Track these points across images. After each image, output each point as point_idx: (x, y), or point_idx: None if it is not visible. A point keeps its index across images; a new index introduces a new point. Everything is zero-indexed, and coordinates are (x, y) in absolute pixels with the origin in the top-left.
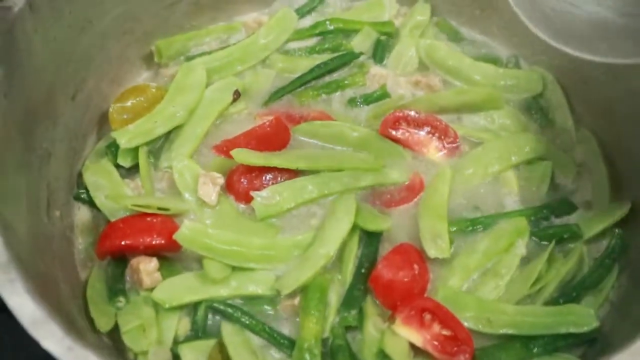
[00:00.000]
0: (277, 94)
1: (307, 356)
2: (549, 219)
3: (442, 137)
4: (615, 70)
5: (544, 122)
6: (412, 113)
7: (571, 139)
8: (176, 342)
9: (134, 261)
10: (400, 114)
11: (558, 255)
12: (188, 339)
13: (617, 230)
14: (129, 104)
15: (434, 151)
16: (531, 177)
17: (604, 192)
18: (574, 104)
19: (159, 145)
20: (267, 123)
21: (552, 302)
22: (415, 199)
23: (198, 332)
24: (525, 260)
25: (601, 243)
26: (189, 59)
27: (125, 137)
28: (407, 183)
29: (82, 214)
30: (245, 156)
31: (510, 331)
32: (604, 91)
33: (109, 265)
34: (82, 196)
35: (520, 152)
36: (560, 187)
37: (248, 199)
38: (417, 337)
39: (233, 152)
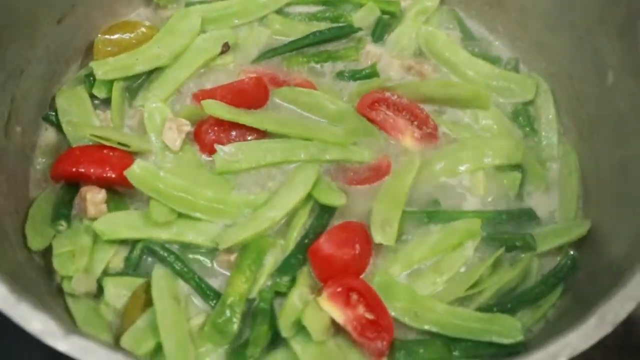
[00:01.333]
0: (266, 54)
1: (227, 312)
2: (506, 225)
3: (421, 126)
4: (606, 89)
5: (528, 130)
6: (393, 96)
7: (552, 152)
8: (106, 274)
9: (83, 189)
10: (380, 95)
11: (506, 264)
12: (118, 274)
13: (570, 251)
14: (115, 37)
15: (409, 139)
16: (500, 182)
17: (570, 211)
18: (562, 117)
19: (139, 83)
20: (247, 80)
21: (487, 309)
22: (379, 182)
23: (129, 269)
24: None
25: (554, 261)
26: (188, 4)
27: (102, 69)
28: (373, 164)
29: (48, 135)
30: (214, 108)
31: (434, 329)
32: (593, 109)
33: (61, 189)
34: (51, 118)
35: (495, 156)
36: (528, 198)
37: (212, 151)
38: (339, 315)
39: (203, 103)
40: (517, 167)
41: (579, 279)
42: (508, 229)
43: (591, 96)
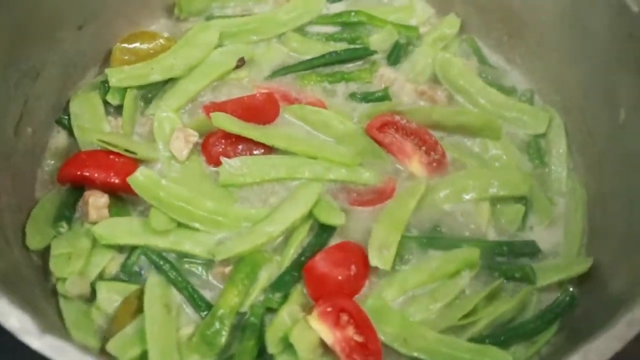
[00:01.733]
0: (281, 71)
1: (216, 323)
2: (507, 257)
3: (429, 151)
4: (620, 126)
5: (538, 163)
6: (403, 120)
7: (560, 186)
8: (101, 279)
9: (87, 193)
10: (390, 118)
11: (504, 296)
12: (112, 279)
13: (570, 288)
14: (133, 46)
15: (417, 164)
16: (503, 214)
17: (573, 247)
18: (573, 153)
19: (153, 93)
20: (258, 95)
21: (479, 340)
22: (381, 205)
23: (124, 275)
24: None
25: (553, 296)
26: (209, 18)
27: (117, 76)
28: (378, 186)
29: (59, 138)
30: (223, 121)
31: (422, 356)
32: (604, 146)
33: (66, 192)
34: (64, 122)
35: (501, 187)
36: (531, 231)
37: (218, 164)
38: (328, 335)
39: (212, 115)
40: (522, 199)
41: (576, 317)
42: (509, 261)
43: (602, 133)
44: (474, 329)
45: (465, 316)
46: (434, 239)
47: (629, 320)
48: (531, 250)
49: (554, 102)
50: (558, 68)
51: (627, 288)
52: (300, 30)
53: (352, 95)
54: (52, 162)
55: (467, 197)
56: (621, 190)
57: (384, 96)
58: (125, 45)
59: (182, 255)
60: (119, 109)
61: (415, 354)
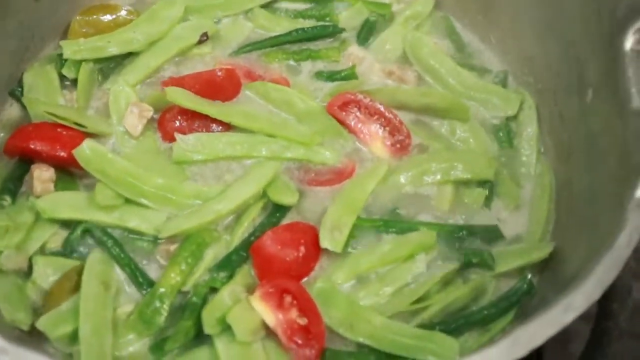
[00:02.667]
0: (245, 48)
1: (156, 302)
2: (467, 241)
3: (393, 132)
4: (585, 108)
5: (507, 146)
6: (366, 99)
7: (528, 170)
8: (42, 254)
9: (33, 166)
10: (352, 97)
11: (459, 282)
12: (54, 254)
13: (529, 275)
14: (93, 18)
15: (380, 145)
16: (466, 197)
17: (537, 233)
18: (544, 136)
19: (112, 67)
20: (218, 70)
21: (429, 326)
22: (339, 185)
23: (67, 251)
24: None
25: (512, 283)
26: None
27: (72, 48)
28: (338, 167)
29: (12, 110)
30: (178, 96)
31: (367, 342)
32: (572, 129)
33: (14, 165)
34: (17, 94)
35: (465, 170)
36: (494, 216)
37: (173, 140)
38: (270, 316)
39: (167, 89)
40: (486, 182)
41: (534, 305)
42: (469, 246)
43: (572, 115)
44: (424, 315)
45: (417, 302)
46: (391, 221)
47: (566, 305)
48: (493, 235)
49: (527, 84)
50: (531, 48)
51: (575, 275)
52: (269, 6)
53: (318, 74)
54: (2, 134)
55: (430, 180)
56: (584, 177)
57: (350, 75)
58: (84, 17)
59: (128, 232)
60: (74, 83)
61: (361, 339)
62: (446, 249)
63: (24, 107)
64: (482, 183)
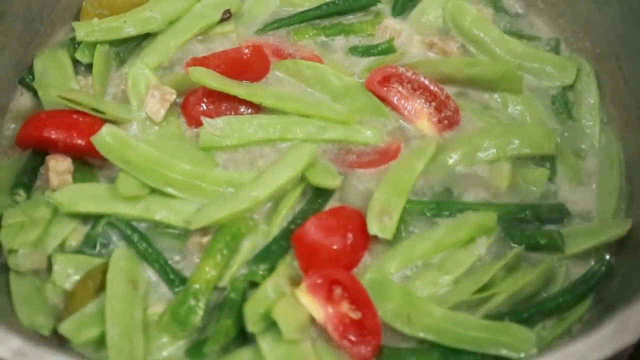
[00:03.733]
0: (272, 25)
1: (190, 300)
2: (531, 223)
3: (440, 108)
4: None
5: (565, 118)
6: (408, 73)
7: (592, 143)
8: (62, 252)
9: (48, 158)
10: (393, 70)
11: (526, 266)
12: (74, 252)
13: (606, 256)
14: None
15: (426, 121)
16: (526, 176)
17: (609, 209)
18: (605, 104)
19: (130, 50)
20: (245, 48)
21: (497, 317)
22: (385, 167)
23: (89, 248)
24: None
25: (586, 266)
26: None
27: (85, 29)
28: (381, 147)
29: (22, 100)
30: (203, 76)
31: (429, 337)
32: None
33: (27, 157)
34: (27, 81)
35: (522, 145)
36: (559, 193)
37: (199, 125)
38: (318, 311)
39: (190, 70)
40: (547, 158)
41: (613, 289)
42: (532, 227)
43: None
44: (490, 305)
45: (480, 290)
46: (444, 203)
47: None
48: (559, 214)
49: (582, 50)
50: (587, 10)
51: None
52: None
53: (353, 49)
54: (13, 125)
55: (484, 157)
56: None
57: (388, 49)
58: None
59: (155, 225)
60: (90, 68)
61: (421, 335)
62: (508, 231)
63: (35, 95)
64: (541, 159)
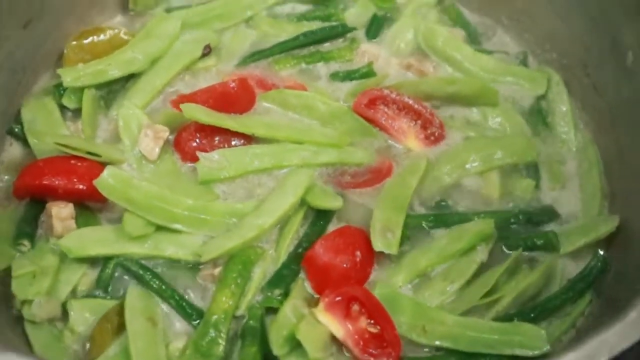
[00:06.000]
0: (253, 56)
1: (211, 331)
2: (523, 227)
3: (425, 125)
4: (627, 72)
5: (541, 126)
6: (393, 94)
7: (569, 147)
8: (74, 298)
9: (49, 205)
10: (378, 93)
11: (524, 267)
12: (88, 297)
13: (599, 252)
14: (88, 41)
15: (413, 139)
16: (515, 186)
17: (593, 208)
18: (578, 110)
19: (114, 92)
20: (231, 82)
21: (507, 319)
22: (379, 185)
23: (101, 291)
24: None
25: (580, 263)
26: (168, 10)
27: (71, 75)
28: (373, 166)
29: (12, 150)
30: (195, 112)
31: (445, 344)
32: (613, 97)
33: (25, 207)
34: (16, 131)
35: (506, 155)
36: (545, 198)
37: (194, 160)
38: (338, 328)
39: (183, 106)
40: (531, 165)
41: (609, 283)
42: (525, 231)
43: (610, 83)
44: (497, 308)
45: (486, 295)
46: (442, 215)
47: None
48: (549, 216)
49: (550, 61)
50: (551, 23)
51: None
52: (270, 12)
53: (334, 75)
54: (7, 177)
55: (472, 169)
56: (636, 141)
57: (369, 72)
58: (79, 42)
59: (165, 262)
60: (77, 113)
61: (437, 343)
62: (503, 237)
63: (25, 145)
64: (525, 166)
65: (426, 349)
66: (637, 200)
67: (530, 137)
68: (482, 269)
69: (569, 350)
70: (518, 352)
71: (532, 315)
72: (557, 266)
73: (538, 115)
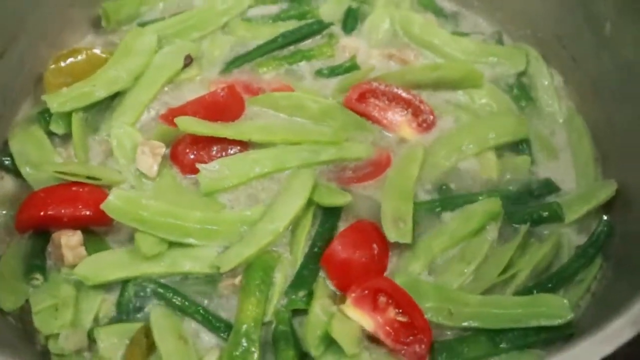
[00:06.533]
0: (234, 63)
1: (243, 342)
2: (526, 202)
3: (416, 113)
4: (605, 42)
5: (526, 101)
6: (382, 86)
7: (555, 119)
8: (96, 325)
9: (55, 235)
10: (368, 86)
11: (533, 241)
12: (111, 322)
13: (604, 217)
14: (67, 63)
15: (406, 128)
16: (510, 164)
17: (589, 175)
18: (561, 82)
19: (100, 113)
20: (220, 91)
21: (526, 292)
22: (380, 177)
23: (123, 315)
24: (497, 246)
25: (584, 230)
26: (142, 25)
27: (57, 101)
28: (372, 159)
29: (5, 184)
30: (190, 124)
31: (473, 324)
32: (593, 66)
33: (29, 239)
34: (6, 164)
35: (500, 135)
36: (540, 171)
37: (194, 172)
38: (368, 321)
39: (177, 120)
40: (523, 141)
41: (615, 246)
42: (527, 206)
43: (588, 54)
44: (517, 282)
45: (503, 272)
46: (448, 199)
47: None
48: (549, 188)
49: (525, 38)
50: (523, 1)
51: None
52: (244, 17)
53: (319, 73)
54: (3, 212)
55: (468, 150)
56: (626, 106)
57: (352, 66)
58: (57, 65)
59: (183, 277)
60: (66, 138)
61: (465, 324)
62: (509, 213)
63: (17, 177)
64: (518, 142)
65: (452, 331)
66: (630, 163)
67: (519, 114)
68: (493, 247)
69: (597, 327)
70: (544, 322)
71: (549, 285)
72: (564, 236)
73: (522, 92)
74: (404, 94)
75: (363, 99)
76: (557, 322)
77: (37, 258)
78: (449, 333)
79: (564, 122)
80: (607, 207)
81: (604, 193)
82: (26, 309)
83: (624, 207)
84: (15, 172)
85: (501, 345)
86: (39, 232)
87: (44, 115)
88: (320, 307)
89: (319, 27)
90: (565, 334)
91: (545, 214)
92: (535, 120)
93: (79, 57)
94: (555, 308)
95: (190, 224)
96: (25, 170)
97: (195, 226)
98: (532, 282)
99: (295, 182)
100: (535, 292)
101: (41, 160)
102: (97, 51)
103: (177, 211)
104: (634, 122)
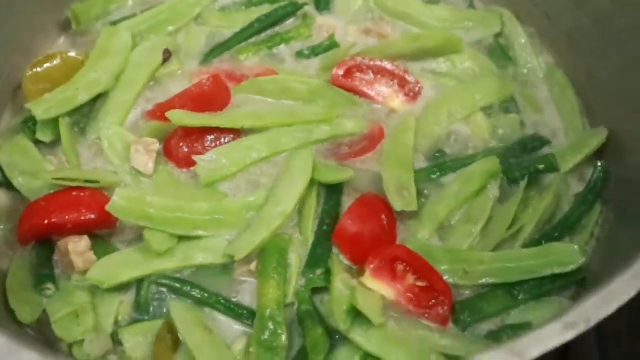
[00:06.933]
0: (213, 52)
1: (270, 325)
2: (521, 157)
3: (402, 83)
4: None
5: (505, 62)
6: (366, 60)
7: (537, 75)
8: (118, 327)
9: (61, 243)
10: (352, 62)
11: (533, 194)
12: (132, 322)
13: (599, 163)
14: (43, 70)
15: (394, 99)
16: (500, 124)
17: (577, 126)
18: (537, 39)
19: (85, 116)
20: (205, 82)
21: (533, 244)
22: (376, 149)
23: (142, 314)
24: (499, 204)
25: (581, 178)
26: (113, 24)
27: (42, 108)
28: (366, 133)
29: None
30: (182, 117)
31: (490, 280)
32: (569, 20)
33: (33, 251)
34: None
35: (486, 97)
36: (529, 127)
37: (190, 165)
38: (389, 291)
39: (168, 114)
40: (509, 100)
41: (612, 190)
42: (524, 161)
43: (563, 9)
44: (524, 236)
45: (510, 228)
46: (445, 163)
47: None
48: (541, 141)
49: (497, 1)
50: None
51: None
52: (216, 5)
53: (299, 54)
54: (1, 226)
55: (457, 114)
56: (606, 56)
57: (332, 45)
58: (34, 72)
59: (197, 270)
60: (53, 145)
61: (483, 281)
62: (507, 170)
63: (8, 190)
64: (505, 103)
65: (470, 290)
66: (615, 110)
67: (501, 75)
68: (495, 205)
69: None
70: (557, 270)
71: (555, 235)
72: (563, 186)
73: (500, 53)
74: (388, 66)
75: (349, 75)
76: (570, 268)
77: (45, 268)
78: (467, 292)
79: (545, 78)
80: (599, 154)
81: (596, 140)
82: (42, 319)
83: (614, 153)
84: (7, 184)
85: (519, 297)
86: (42, 242)
87: (28, 124)
88: (341, 282)
89: (293, 8)
90: (577, 279)
91: (542, 166)
92: (517, 78)
93: (55, 62)
94: (566, 255)
95: (197, 216)
96: (18, 182)
97: (204, 218)
98: (538, 234)
99: (295, 162)
100: (543, 242)
101: (32, 169)
102: (72, 54)
103: (183, 205)
104: (615, 73)
